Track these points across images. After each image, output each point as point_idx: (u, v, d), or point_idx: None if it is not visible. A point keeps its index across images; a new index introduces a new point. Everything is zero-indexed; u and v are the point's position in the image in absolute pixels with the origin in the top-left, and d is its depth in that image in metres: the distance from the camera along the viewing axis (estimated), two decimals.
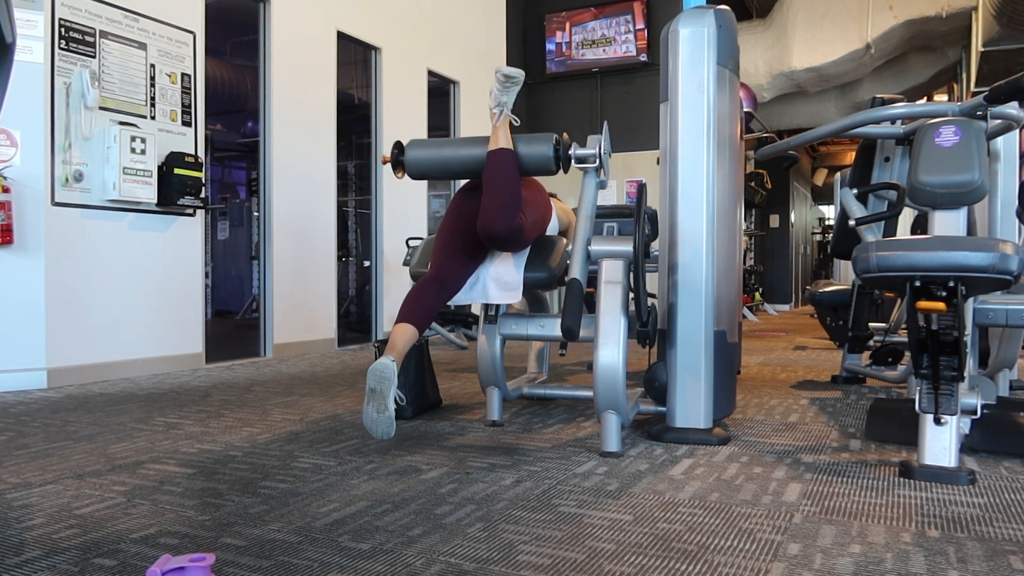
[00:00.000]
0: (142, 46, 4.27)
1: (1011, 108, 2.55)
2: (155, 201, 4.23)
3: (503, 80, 2.56)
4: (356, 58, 6.42)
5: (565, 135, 2.65)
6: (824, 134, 3.05)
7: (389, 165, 2.89)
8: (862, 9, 8.49)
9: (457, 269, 2.65)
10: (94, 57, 4.01)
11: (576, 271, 2.39)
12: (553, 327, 2.70)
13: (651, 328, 2.44)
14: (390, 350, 2.36)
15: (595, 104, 8.90)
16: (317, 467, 2.18)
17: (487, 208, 2.52)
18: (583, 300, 2.40)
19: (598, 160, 2.48)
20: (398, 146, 2.73)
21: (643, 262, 2.36)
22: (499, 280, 2.69)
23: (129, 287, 4.22)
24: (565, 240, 2.86)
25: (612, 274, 2.40)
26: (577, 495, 1.90)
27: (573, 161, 2.52)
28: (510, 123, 2.62)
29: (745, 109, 7.65)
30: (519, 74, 2.56)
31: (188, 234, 4.55)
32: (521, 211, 2.58)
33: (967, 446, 2.38)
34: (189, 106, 4.54)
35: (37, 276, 3.77)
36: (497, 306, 2.77)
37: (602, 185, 2.56)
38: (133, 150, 4.05)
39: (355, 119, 6.80)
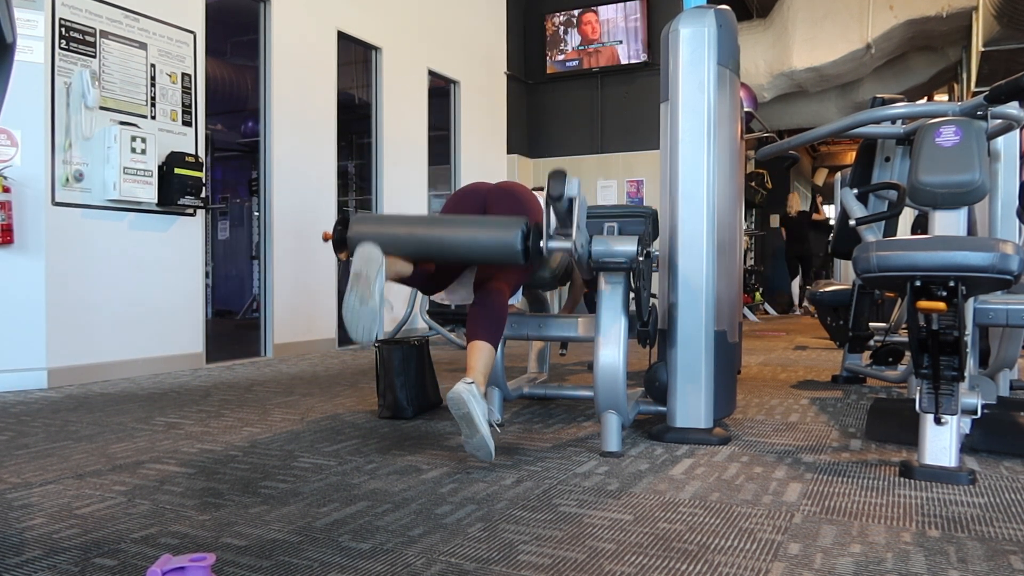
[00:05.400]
0: (142, 46, 4.27)
1: (1011, 108, 2.54)
2: (155, 201, 4.23)
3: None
4: (356, 58, 6.42)
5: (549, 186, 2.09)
6: (824, 134, 3.05)
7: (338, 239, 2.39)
8: (863, 9, 8.49)
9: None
10: (94, 57, 4.01)
11: None
12: (553, 327, 2.69)
13: (652, 328, 2.44)
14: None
15: (595, 104, 8.90)
16: (317, 467, 2.18)
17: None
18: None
19: (574, 249, 2.13)
20: (343, 221, 2.35)
21: (647, 265, 2.36)
22: None
23: (129, 287, 4.22)
24: None
25: (613, 274, 2.40)
26: (578, 495, 1.90)
27: (545, 253, 2.18)
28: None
29: (745, 109, 7.64)
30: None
31: (188, 234, 4.55)
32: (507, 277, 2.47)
33: (967, 446, 2.38)
34: (189, 106, 4.54)
35: (37, 276, 3.77)
36: None
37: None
38: (133, 150, 4.05)
39: (355, 119, 6.80)
